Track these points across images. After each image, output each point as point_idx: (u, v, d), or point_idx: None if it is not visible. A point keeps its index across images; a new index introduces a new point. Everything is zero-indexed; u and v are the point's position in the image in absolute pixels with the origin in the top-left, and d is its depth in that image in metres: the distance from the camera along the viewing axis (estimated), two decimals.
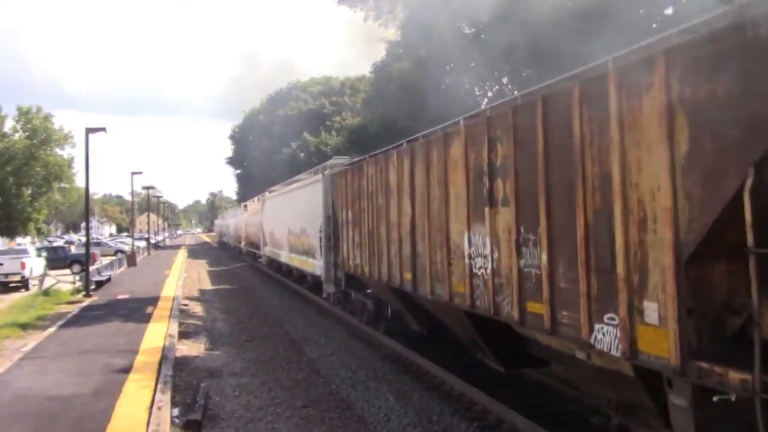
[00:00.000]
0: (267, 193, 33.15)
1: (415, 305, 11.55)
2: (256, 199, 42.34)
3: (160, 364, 11.41)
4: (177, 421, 8.70)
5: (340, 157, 18.44)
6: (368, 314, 14.84)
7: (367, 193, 12.96)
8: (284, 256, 26.43)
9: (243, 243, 45.40)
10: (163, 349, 12.75)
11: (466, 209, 8.34)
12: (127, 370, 11.00)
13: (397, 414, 9.01)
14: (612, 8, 20.42)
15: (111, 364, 11.48)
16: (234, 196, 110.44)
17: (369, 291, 14.70)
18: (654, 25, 19.44)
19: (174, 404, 9.35)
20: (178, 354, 13.04)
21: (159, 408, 8.66)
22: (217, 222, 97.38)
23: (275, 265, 30.25)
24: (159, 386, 9.79)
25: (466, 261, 8.32)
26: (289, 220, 24.12)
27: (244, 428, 8.64)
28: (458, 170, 8.58)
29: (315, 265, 19.61)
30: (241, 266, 36.98)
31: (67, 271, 32.83)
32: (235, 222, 54.86)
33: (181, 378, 11.17)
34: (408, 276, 10.63)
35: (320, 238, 17.59)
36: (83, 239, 38.42)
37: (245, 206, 47.48)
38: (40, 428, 8.06)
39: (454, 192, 8.79)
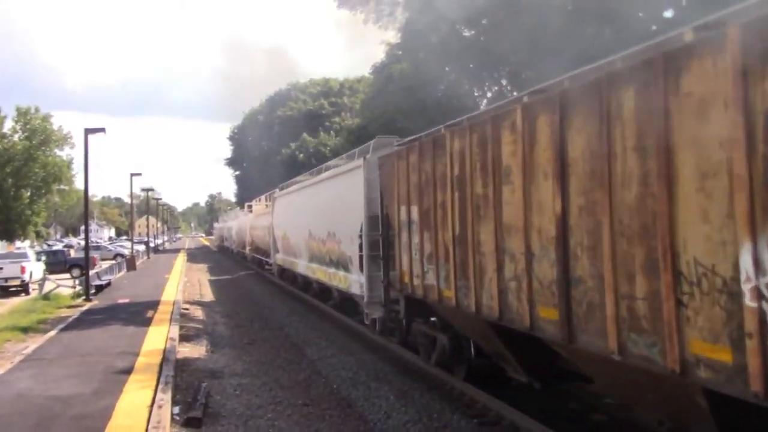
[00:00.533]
0: (277, 190, 28.52)
1: (527, 348, 7.69)
2: (262, 198, 39.70)
3: (161, 365, 11.44)
4: (177, 418, 8.75)
5: (386, 136, 14.93)
6: (440, 353, 10.65)
7: (452, 178, 8.78)
8: (302, 267, 21.91)
9: (248, 248, 41.14)
10: (164, 351, 12.78)
11: (745, 196, 4.28)
12: (128, 371, 11.03)
13: (398, 412, 9.05)
14: (611, 11, 20.55)
15: (112, 365, 11.50)
16: (233, 198, 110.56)
17: (433, 319, 10.84)
18: (654, 27, 19.53)
19: (175, 403, 9.39)
20: (179, 356, 13.06)
21: (160, 406, 8.70)
22: (217, 225, 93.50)
23: (289, 275, 25.94)
24: (160, 386, 9.83)
25: (748, 303, 4.29)
26: (311, 222, 19.67)
27: (244, 425, 8.67)
28: (714, 117, 4.52)
29: (350, 281, 15.43)
30: (246, 274, 36.47)
31: (67, 275, 32.78)
32: (238, 225, 50.26)
33: (182, 378, 11.18)
34: (549, 314, 6.55)
35: (360, 246, 13.95)
36: (82, 243, 38.37)
37: (249, 207, 44.30)
38: (40, 426, 8.09)
39: (695, 164, 4.70)
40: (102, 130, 24.04)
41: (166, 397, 9.21)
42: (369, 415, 8.99)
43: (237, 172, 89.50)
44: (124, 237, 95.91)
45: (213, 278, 35.30)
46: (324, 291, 20.20)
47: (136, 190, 57.92)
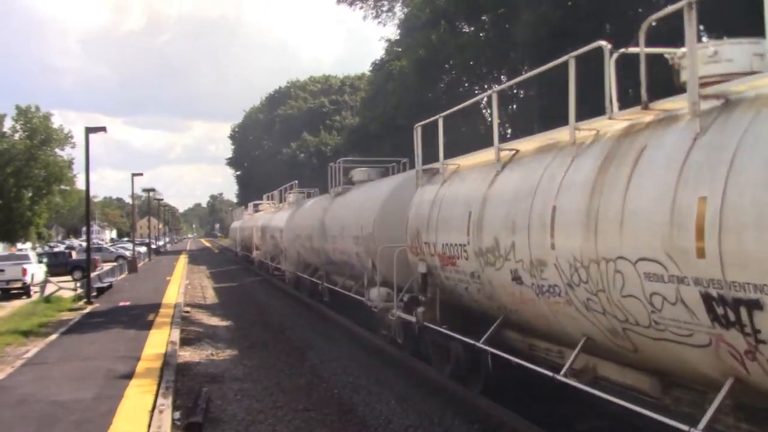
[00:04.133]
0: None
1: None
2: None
3: (161, 369, 11.43)
4: (178, 423, 8.74)
5: None
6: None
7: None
8: None
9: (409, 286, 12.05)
10: (165, 355, 12.76)
11: None
12: (129, 375, 11.01)
13: (399, 417, 9.02)
14: (611, 6, 20.52)
15: (113, 369, 11.48)
16: (235, 199, 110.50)
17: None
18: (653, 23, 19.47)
19: (176, 408, 9.38)
20: (180, 360, 13.05)
21: (161, 411, 8.69)
22: (234, 225, 61.65)
23: None
24: (161, 391, 9.82)
25: None
26: None
27: (245, 430, 8.66)
28: None
29: None
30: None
31: (69, 277, 32.74)
32: (303, 220, 22.39)
33: (182, 383, 11.18)
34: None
35: None
36: (84, 244, 38.30)
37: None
38: (41, 431, 8.08)
39: None
40: (103, 129, 23.91)
41: (166, 402, 9.20)
42: (370, 420, 8.97)
43: (238, 173, 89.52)
44: (126, 238, 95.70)
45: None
46: None
47: (138, 191, 57.66)
